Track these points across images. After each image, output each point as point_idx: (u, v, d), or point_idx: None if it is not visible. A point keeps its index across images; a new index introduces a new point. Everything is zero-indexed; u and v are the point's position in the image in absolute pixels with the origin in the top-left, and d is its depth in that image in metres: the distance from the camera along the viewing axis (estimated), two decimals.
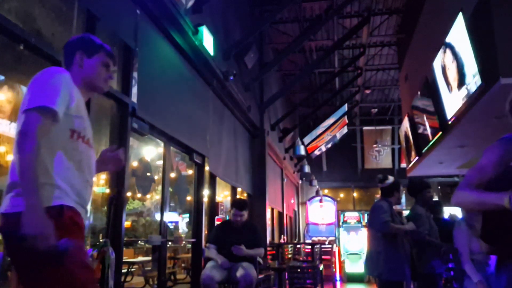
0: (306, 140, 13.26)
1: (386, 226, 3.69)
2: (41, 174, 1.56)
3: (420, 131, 9.45)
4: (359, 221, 12.32)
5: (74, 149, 1.71)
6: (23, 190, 1.51)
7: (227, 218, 6.70)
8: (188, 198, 6.99)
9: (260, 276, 5.48)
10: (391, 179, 4.01)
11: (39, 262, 1.52)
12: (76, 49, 1.86)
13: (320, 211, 14.28)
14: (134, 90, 4.02)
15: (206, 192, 5.84)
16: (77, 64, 1.85)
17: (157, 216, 6.92)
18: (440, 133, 7.82)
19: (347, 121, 15.37)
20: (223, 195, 8.37)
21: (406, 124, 10.83)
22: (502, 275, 1.67)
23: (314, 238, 13.17)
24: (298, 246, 10.34)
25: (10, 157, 2.83)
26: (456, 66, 6.32)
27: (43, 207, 1.49)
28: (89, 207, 1.79)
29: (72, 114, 1.70)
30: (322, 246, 10.56)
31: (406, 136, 11.03)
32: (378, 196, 4.19)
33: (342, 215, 12.97)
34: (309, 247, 9.22)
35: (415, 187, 4.22)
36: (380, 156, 17.90)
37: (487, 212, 1.73)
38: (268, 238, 9.60)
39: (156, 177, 7.45)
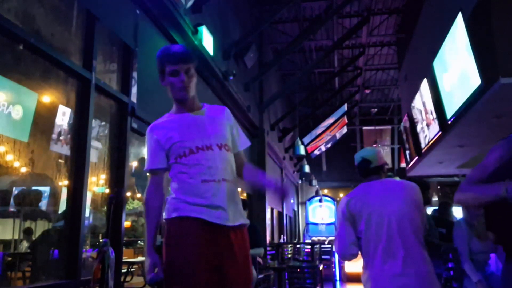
0: (306, 140, 13.26)
1: None
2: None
3: (420, 130, 9.46)
4: None
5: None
6: None
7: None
8: None
9: (260, 276, 5.47)
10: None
11: None
12: (160, 74, 1.95)
13: (319, 211, 14.27)
14: (134, 90, 4.02)
15: None
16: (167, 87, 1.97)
17: None
18: (440, 132, 7.82)
19: (346, 121, 15.37)
20: None
21: (405, 123, 10.84)
22: None
23: (314, 238, 13.18)
24: (298, 246, 10.34)
25: (10, 157, 2.83)
26: (456, 66, 6.33)
27: None
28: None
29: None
30: (322, 246, 10.56)
31: (406, 136, 11.04)
32: None
33: None
34: (309, 247, 9.22)
35: None
36: None
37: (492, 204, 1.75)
38: (268, 238, 9.60)
39: None
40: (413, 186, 2.58)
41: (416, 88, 9.06)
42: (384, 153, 17.88)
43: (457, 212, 5.63)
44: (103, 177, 3.77)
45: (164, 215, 1.89)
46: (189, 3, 5.04)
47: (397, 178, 3.05)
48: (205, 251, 1.76)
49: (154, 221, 1.86)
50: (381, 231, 2.40)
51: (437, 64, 7.27)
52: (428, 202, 4.15)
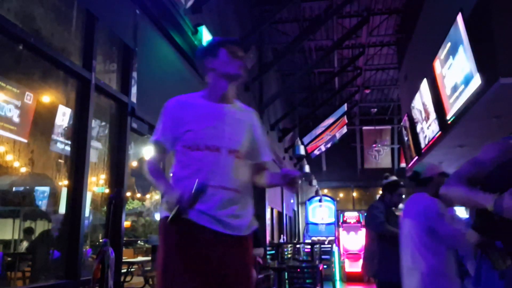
0: (306, 140, 13.26)
1: (381, 227, 3.70)
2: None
3: (420, 130, 9.46)
4: (358, 221, 12.31)
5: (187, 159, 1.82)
6: None
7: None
8: None
9: (260, 276, 5.47)
10: (390, 179, 4.00)
11: None
12: (203, 60, 1.92)
13: (319, 211, 14.27)
14: (134, 90, 4.02)
15: None
16: (210, 70, 1.90)
17: (157, 216, 6.92)
18: (440, 132, 7.82)
19: (346, 121, 15.37)
20: None
21: (405, 123, 10.84)
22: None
23: (313, 238, 13.18)
24: (298, 246, 10.34)
25: (9, 157, 2.83)
26: (456, 66, 6.33)
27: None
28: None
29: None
30: (322, 246, 10.56)
31: (406, 136, 11.04)
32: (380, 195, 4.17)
33: (341, 215, 12.97)
34: (309, 247, 9.22)
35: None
36: (380, 156, 17.90)
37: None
38: (268, 238, 9.60)
39: None
40: None
41: (416, 88, 9.06)
42: (384, 153, 17.89)
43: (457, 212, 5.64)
44: (103, 177, 3.77)
45: (160, 214, 1.83)
46: (189, 3, 5.04)
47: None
48: (191, 253, 1.68)
49: (160, 174, 1.82)
50: None
51: (437, 64, 7.27)
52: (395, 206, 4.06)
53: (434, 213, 2.49)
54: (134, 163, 7.07)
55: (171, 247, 1.72)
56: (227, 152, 1.80)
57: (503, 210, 1.49)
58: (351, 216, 12.59)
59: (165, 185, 1.78)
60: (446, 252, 2.54)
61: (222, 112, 1.86)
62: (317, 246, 9.80)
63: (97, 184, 3.78)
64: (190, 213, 1.67)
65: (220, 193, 1.75)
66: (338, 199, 17.11)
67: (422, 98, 8.69)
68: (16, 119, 2.73)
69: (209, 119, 1.82)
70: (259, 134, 1.96)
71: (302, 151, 11.89)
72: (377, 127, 17.75)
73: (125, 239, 4.57)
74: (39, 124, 2.98)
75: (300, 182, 1.86)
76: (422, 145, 9.32)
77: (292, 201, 15.69)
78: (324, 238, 13.09)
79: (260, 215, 8.73)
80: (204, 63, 1.91)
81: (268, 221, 9.55)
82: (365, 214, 4.47)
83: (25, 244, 4.08)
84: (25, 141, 2.85)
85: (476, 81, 5.55)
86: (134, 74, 4.04)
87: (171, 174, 1.85)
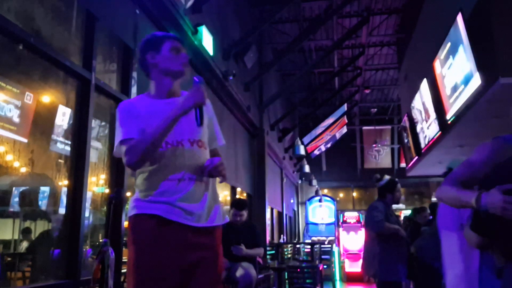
0: (306, 140, 13.26)
1: (380, 225, 3.70)
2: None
3: (420, 130, 9.46)
4: (358, 221, 12.31)
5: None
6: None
7: (227, 218, 6.69)
8: None
9: (260, 276, 5.47)
10: (386, 179, 4.01)
11: None
12: (145, 54, 1.87)
13: (319, 211, 14.27)
14: (134, 90, 4.02)
15: None
16: (153, 66, 1.86)
17: None
18: (440, 132, 7.82)
19: (346, 121, 15.38)
20: (223, 195, 8.37)
21: (405, 123, 10.84)
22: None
23: (313, 238, 13.18)
24: (298, 246, 10.34)
25: (9, 157, 2.83)
26: (456, 66, 6.33)
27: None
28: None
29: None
30: (322, 246, 10.56)
31: (406, 136, 11.04)
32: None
33: (341, 215, 12.97)
34: (309, 247, 9.22)
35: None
36: (380, 156, 17.90)
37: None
38: (268, 238, 9.60)
39: None
40: None
41: (416, 88, 9.06)
42: (384, 153, 17.89)
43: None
44: (103, 177, 3.77)
45: (129, 213, 1.80)
46: (189, 3, 5.04)
47: None
48: (161, 250, 1.67)
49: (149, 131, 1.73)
50: None
51: (437, 64, 7.27)
52: (397, 203, 4.09)
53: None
54: None
55: (142, 244, 1.69)
56: (190, 144, 1.79)
57: (485, 206, 1.48)
58: (351, 216, 12.60)
59: (172, 111, 1.72)
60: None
61: (174, 106, 1.81)
62: (317, 246, 9.80)
63: (97, 184, 3.78)
64: (158, 207, 1.68)
65: (189, 185, 1.74)
66: (338, 199, 17.12)
67: (422, 98, 8.69)
68: (16, 119, 2.73)
69: (163, 116, 1.75)
70: (214, 119, 1.98)
71: (302, 151, 11.89)
72: (377, 127, 17.75)
73: (125, 239, 4.57)
74: (39, 124, 2.98)
75: (222, 168, 1.77)
76: (422, 145, 9.32)
77: (292, 201, 15.69)
78: (324, 238, 13.10)
79: (260, 215, 8.73)
80: (146, 58, 1.87)
81: (268, 221, 9.55)
82: (365, 214, 4.48)
83: (25, 244, 4.07)
84: (25, 140, 2.85)
85: (476, 81, 5.55)
86: (134, 74, 4.03)
87: (138, 173, 1.80)
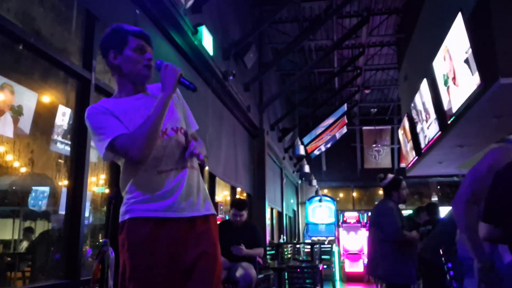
0: (306, 140, 13.26)
1: (399, 234, 3.60)
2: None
3: (419, 130, 9.46)
4: (358, 221, 12.31)
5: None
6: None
7: (227, 218, 6.69)
8: None
9: (260, 276, 5.47)
10: (389, 177, 3.97)
11: None
12: (107, 52, 1.76)
13: (319, 211, 14.27)
14: None
15: None
16: (115, 68, 1.77)
17: None
18: (440, 132, 7.82)
19: (346, 121, 15.37)
20: (223, 195, 8.37)
21: (405, 123, 10.84)
22: None
23: (313, 238, 13.18)
24: (298, 246, 10.34)
25: (9, 157, 2.83)
26: (456, 66, 6.33)
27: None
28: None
29: None
30: (322, 246, 10.56)
31: (406, 136, 11.04)
32: (381, 193, 4.11)
33: (341, 215, 12.97)
34: (309, 247, 9.22)
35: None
36: (380, 156, 17.90)
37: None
38: (268, 238, 9.60)
39: None
40: None
41: (416, 88, 9.06)
42: (384, 153, 17.88)
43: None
44: (103, 177, 3.77)
45: (120, 218, 1.74)
46: (189, 3, 5.04)
47: None
48: (160, 255, 1.63)
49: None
50: None
51: (437, 64, 7.27)
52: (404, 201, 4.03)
53: None
54: None
55: (139, 250, 1.65)
56: (174, 132, 1.75)
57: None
58: (351, 216, 12.60)
59: (161, 94, 1.67)
60: None
61: (145, 100, 1.77)
62: (317, 246, 9.80)
63: (97, 184, 3.78)
64: (155, 208, 1.64)
65: (184, 173, 1.71)
66: (338, 199, 17.11)
67: (422, 98, 8.69)
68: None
69: (136, 111, 1.71)
70: (185, 105, 1.94)
71: (302, 151, 11.89)
72: (377, 127, 17.75)
73: None
74: (39, 124, 2.98)
75: (202, 151, 1.74)
76: (422, 145, 9.32)
77: (292, 201, 15.69)
78: (324, 238, 13.10)
79: (260, 215, 8.73)
80: (109, 58, 1.76)
81: (268, 221, 9.54)
82: (372, 213, 4.42)
83: (25, 244, 4.07)
84: (27, 133, 2.84)
85: (476, 81, 5.55)
86: None
87: (126, 176, 1.74)
